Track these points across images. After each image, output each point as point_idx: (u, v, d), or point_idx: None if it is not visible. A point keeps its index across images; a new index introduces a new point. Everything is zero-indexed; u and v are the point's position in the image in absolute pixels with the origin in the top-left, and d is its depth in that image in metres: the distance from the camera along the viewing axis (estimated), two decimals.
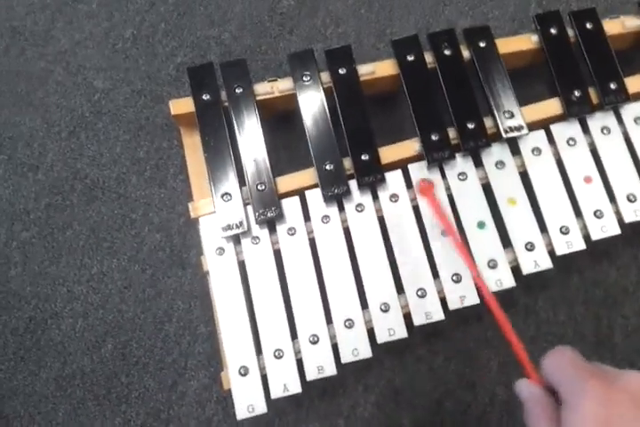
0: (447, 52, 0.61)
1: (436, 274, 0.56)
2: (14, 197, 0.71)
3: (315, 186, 0.58)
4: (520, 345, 0.43)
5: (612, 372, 0.37)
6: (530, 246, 0.57)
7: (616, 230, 0.58)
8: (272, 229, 0.58)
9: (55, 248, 0.69)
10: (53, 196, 0.71)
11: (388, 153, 0.59)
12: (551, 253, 0.57)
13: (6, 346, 0.67)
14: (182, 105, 0.61)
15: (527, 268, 0.56)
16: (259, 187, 0.57)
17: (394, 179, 0.58)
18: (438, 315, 0.55)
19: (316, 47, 0.72)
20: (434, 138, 0.58)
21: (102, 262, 0.69)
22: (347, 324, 0.55)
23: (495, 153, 0.59)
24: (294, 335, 0.55)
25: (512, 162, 0.59)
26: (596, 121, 0.60)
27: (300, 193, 0.58)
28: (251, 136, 0.59)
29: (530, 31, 0.64)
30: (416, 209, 0.58)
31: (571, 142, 0.59)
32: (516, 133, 0.59)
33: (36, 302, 0.68)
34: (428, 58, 0.61)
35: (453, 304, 0.55)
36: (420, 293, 0.55)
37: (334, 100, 0.59)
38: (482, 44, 0.61)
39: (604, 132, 0.60)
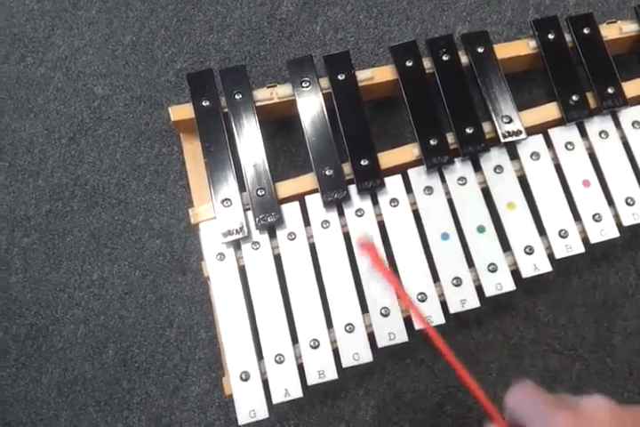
0: (445, 58, 0.61)
1: (436, 278, 0.56)
2: (15, 203, 0.71)
3: (314, 191, 0.58)
4: (479, 389, 0.43)
5: (572, 399, 0.37)
6: (529, 250, 0.57)
7: (615, 233, 0.58)
8: (272, 235, 0.58)
9: (56, 254, 0.70)
10: (54, 202, 0.71)
11: (387, 158, 0.59)
12: (550, 256, 0.57)
13: (8, 353, 0.67)
14: (182, 111, 0.61)
15: (527, 271, 0.56)
16: (259, 192, 0.58)
17: (393, 184, 0.58)
18: (439, 318, 0.55)
19: (315, 53, 0.72)
20: (433, 143, 0.59)
21: (103, 268, 0.69)
22: (347, 328, 0.55)
23: (494, 158, 0.59)
24: (295, 340, 0.55)
25: (511, 166, 0.59)
26: (594, 125, 0.60)
27: (300, 198, 0.59)
28: (250, 142, 0.59)
29: (528, 36, 0.65)
30: (416, 213, 0.58)
31: (569, 147, 0.60)
32: (514, 138, 0.59)
33: (37, 308, 0.68)
34: (427, 63, 0.61)
35: (454, 308, 0.55)
36: (420, 296, 0.55)
37: (333, 106, 0.60)
38: (480, 50, 0.62)
39: (602, 136, 0.60)
